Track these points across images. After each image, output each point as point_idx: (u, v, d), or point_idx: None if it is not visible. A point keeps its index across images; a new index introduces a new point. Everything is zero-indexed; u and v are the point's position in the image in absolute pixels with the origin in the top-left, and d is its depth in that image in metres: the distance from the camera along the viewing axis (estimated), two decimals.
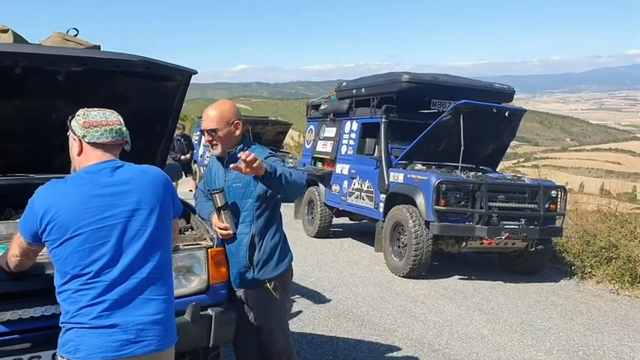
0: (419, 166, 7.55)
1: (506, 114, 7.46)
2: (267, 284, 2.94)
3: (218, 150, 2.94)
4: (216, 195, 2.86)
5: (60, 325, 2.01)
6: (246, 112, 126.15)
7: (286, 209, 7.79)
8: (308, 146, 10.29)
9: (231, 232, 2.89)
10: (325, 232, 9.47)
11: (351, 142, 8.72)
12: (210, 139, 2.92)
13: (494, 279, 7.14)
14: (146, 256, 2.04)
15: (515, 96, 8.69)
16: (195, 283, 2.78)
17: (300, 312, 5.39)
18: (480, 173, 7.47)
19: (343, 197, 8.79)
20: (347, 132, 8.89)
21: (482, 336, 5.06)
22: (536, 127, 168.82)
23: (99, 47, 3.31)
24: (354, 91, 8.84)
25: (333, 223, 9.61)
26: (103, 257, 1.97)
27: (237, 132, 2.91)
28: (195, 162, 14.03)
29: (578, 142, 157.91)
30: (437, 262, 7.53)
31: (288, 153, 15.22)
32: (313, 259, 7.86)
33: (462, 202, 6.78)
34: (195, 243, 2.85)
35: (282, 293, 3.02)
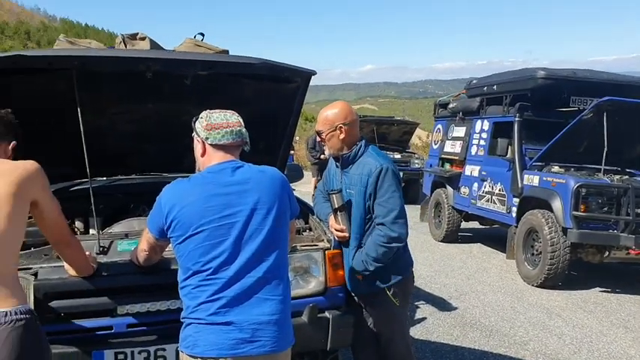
0: (556, 168, 7.09)
1: None
2: (387, 290, 2.85)
3: (327, 151, 2.93)
4: (334, 196, 2.82)
5: (181, 319, 2.06)
6: (372, 112, 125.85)
7: (411, 211, 7.66)
8: (435, 146, 10.06)
9: (347, 234, 2.84)
10: (453, 236, 9.19)
11: (482, 143, 8.39)
12: (319, 140, 2.93)
13: None
14: (262, 255, 2.04)
15: None
16: (313, 285, 2.76)
17: (424, 319, 5.23)
18: (627, 177, 6.82)
19: (473, 200, 8.46)
20: (477, 131, 8.56)
21: (628, 356, 4.57)
22: None
23: (227, 51, 3.42)
24: (485, 88, 8.50)
25: (461, 227, 9.29)
26: (222, 254, 2.00)
27: (342, 135, 2.82)
28: None
29: None
30: (575, 272, 7.01)
31: (414, 153, 14.94)
32: (439, 264, 7.63)
33: (605, 208, 6.25)
34: (312, 244, 2.83)
35: (402, 300, 2.92)
